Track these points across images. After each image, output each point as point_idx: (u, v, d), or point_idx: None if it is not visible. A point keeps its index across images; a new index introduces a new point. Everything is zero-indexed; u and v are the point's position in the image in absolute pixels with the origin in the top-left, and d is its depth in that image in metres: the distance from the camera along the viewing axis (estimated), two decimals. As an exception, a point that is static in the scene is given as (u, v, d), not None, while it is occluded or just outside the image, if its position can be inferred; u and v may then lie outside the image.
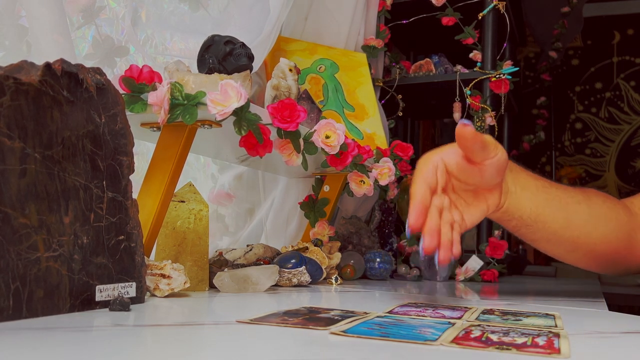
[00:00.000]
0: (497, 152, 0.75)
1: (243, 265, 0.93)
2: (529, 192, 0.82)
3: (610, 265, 0.91)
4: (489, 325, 0.55)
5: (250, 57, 0.80)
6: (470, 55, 1.42)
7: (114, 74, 0.95)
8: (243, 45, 0.80)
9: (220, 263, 0.91)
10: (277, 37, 1.09)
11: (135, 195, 0.65)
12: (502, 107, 1.38)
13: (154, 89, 0.72)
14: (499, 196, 0.79)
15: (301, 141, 0.89)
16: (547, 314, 0.67)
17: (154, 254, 0.79)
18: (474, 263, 1.31)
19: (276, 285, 0.90)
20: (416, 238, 1.28)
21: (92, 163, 0.58)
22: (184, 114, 0.71)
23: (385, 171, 1.10)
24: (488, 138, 0.74)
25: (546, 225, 0.84)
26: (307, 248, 1.05)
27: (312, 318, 0.56)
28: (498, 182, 0.78)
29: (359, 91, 1.32)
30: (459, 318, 0.60)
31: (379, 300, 0.82)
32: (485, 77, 1.38)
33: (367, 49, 1.39)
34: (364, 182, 1.07)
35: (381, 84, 1.47)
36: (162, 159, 0.77)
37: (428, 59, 1.52)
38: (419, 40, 1.85)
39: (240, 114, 0.74)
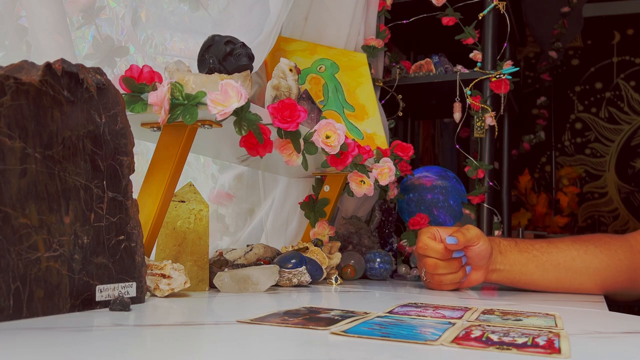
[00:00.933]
0: (479, 242, 0.91)
1: (243, 265, 0.93)
2: (518, 266, 0.96)
3: (612, 294, 0.99)
4: (489, 325, 0.55)
5: (251, 57, 0.80)
6: (471, 55, 1.41)
7: (114, 74, 0.95)
8: (243, 45, 0.80)
9: (220, 263, 0.91)
10: (277, 37, 1.09)
11: (135, 195, 0.65)
12: (502, 107, 1.38)
13: (154, 89, 0.72)
14: (483, 275, 0.96)
15: (301, 141, 0.89)
16: (547, 314, 0.67)
17: (154, 254, 0.79)
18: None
19: (276, 285, 0.90)
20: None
21: (93, 163, 0.58)
22: (184, 114, 0.70)
23: (385, 171, 1.10)
24: (472, 232, 0.90)
25: (537, 284, 0.97)
26: (307, 248, 1.05)
27: (312, 318, 0.56)
28: (482, 264, 0.94)
29: (359, 91, 1.32)
30: (459, 318, 0.60)
31: (379, 300, 0.82)
32: (485, 77, 1.38)
33: (367, 49, 1.39)
34: (364, 182, 1.07)
35: (381, 84, 1.47)
36: (162, 159, 0.77)
37: (428, 59, 1.51)
38: (419, 40, 1.85)
39: (240, 114, 0.74)
